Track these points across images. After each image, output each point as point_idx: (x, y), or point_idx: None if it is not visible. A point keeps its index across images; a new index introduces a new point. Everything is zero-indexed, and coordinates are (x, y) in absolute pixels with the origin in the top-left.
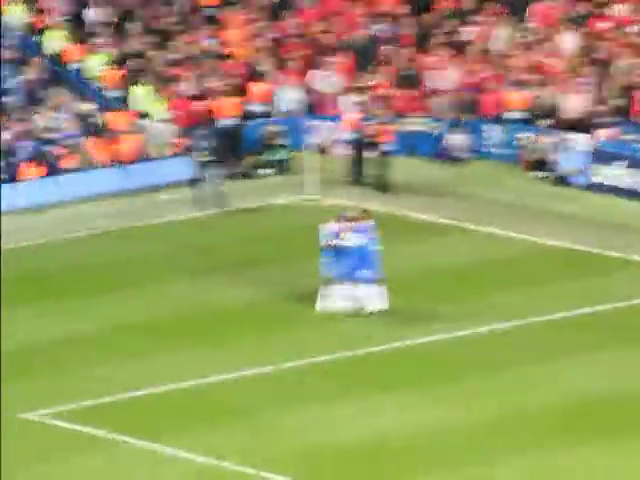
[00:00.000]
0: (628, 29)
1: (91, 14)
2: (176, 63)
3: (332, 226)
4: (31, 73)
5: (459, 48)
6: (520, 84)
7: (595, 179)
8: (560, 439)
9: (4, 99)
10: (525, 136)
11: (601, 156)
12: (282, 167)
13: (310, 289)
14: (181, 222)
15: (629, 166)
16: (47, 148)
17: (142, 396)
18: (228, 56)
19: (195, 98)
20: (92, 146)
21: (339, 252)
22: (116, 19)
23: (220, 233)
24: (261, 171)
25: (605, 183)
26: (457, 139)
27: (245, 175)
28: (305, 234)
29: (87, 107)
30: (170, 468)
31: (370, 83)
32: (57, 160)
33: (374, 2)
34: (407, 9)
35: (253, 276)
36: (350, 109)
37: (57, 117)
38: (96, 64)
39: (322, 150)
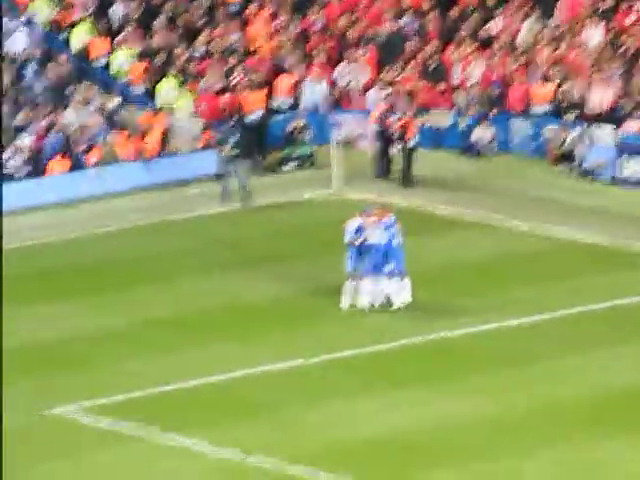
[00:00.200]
0: None
1: (117, 10)
2: (202, 58)
3: (356, 222)
4: (57, 69)
5: (485, 42)
6: (546, 78)
7: (621, 173)
8: (589, 432)
9: (31, 95)
10: (551, 130)
11: (627, 149)
12: (307, 162)
13: (336, 284)
14: (210, 216)
15: None
16: (74, 143)
17: (171, 391)
18: (254, 51)
19: (221, 93)
20: (118, 141)
21: (364, 248)
22: (142, 14)
23: (247, 228)
24: (286, 166)
25: (631, 176)
26: (483, 133)
27: (271, 169)
28: (331, 229)
29: (113, 102)
30: (196, 462)
31: (396, 77)
32: (84, 155)
33: None
34: (433, 3)
35: (279, 271)
36: (375, 103)
37: (83, 112)
38: (122, 59)
39: (347, 144)
